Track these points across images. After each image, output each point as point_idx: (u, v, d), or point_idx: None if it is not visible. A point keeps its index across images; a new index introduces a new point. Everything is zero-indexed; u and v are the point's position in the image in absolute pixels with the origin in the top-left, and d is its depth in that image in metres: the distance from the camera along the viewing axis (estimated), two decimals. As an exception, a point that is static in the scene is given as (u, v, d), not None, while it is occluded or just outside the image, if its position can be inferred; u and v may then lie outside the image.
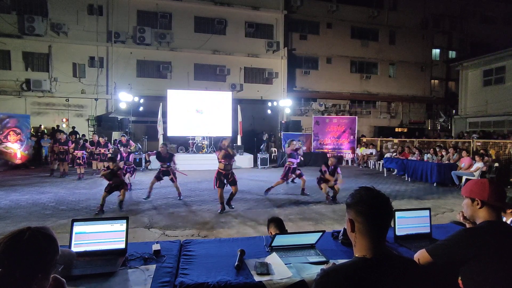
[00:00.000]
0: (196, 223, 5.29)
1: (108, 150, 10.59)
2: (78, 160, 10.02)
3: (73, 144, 10.33)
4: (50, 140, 11.99)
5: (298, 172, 7.69)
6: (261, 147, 15.08)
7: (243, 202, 6.93)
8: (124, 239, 1.99)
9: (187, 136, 14.04)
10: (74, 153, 10.24)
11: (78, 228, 1.95)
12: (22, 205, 6.43)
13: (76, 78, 16.18)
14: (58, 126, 15.19)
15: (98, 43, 16.34)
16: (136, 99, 14.72)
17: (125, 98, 14.03)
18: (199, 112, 14.33)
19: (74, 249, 1.93)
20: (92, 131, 15.45)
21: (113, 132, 13.89)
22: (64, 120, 16.17)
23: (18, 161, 11.99)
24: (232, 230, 4.94)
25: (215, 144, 14.19)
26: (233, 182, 6.08)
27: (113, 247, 1.96)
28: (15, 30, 15.34)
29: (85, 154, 10.26)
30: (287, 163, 7.70)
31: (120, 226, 2.01)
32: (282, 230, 2.70)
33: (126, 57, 16.69)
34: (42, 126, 15.04)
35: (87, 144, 10.50)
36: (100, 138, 10.75)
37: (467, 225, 1.74)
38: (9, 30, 15.23)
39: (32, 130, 13.73)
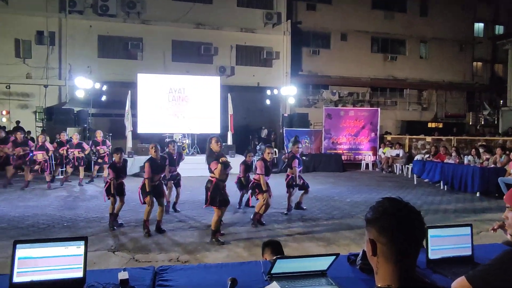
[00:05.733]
0: (174, 245, 5.29)
1: (83, 151, 10.53)
2: (36, 165, 9.81)
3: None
4: None
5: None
6: (258, 146, 15.06)
7: (235, 217, 6.91)
8: (82, 265, 1.98)
9: (163, 133, 14.00)
10: (33, 156, 10.11)
11: (22, 251, 1.94)
12: None
13: (20, 59, 16.03)
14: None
15: (48, 14, 16.20)
16: (98, 85, 14.63)
17: (83, 85, 13.94)
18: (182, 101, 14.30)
19: (17, 278, 1.91)
20: (40, 127, 15.34)
21: (67, 128, 13.78)
22: (4, 112, 16.02)
23: None
24: (220, 253, 4.94)
25: (200, 144, 14.17)
26: (224, 202, 5.42)
27: (68, 276, 1.95)
28: None
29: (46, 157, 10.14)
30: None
31: (76, 249, 2.00)
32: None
33: (84, 31, 16.58)
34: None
35: (48, 144, 10.37)
36: (74, 136, 10.78)
37: (510, 238, 1.75)
38: None
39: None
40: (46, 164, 9.98)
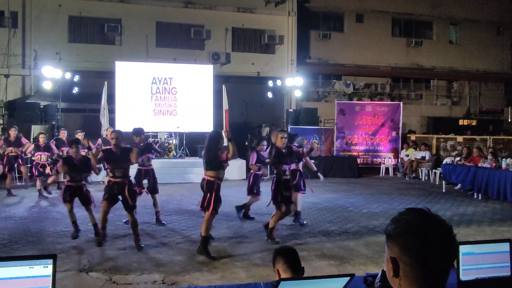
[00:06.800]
0: (159, 264, 5.29)
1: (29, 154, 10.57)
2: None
3: None
4: None
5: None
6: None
7: (231, 231, 6.91)
8: (50, 288, 1.97)
9: (145, 132, 13.95)
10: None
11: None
12: None
13: (-24, 44, 16.04)
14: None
15: (9, -9, 16.21)
16: (68, 75, 14.64)
17: (51, 75, 13.96)
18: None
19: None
20: (0, 124, 15.32)
21: (32, 126, 13.79)
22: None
23: None
24: (214, 274, 4.95)
25: (190, 145, 14.18)
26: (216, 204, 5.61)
27: (33, 302, 1.94)
28: None
29: None
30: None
31: (43, 270, 1.98)
32: (297, 268, 2.67)
33: (52, 11, 16.55)
34: None
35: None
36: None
37: None
38: None
39: None
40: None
